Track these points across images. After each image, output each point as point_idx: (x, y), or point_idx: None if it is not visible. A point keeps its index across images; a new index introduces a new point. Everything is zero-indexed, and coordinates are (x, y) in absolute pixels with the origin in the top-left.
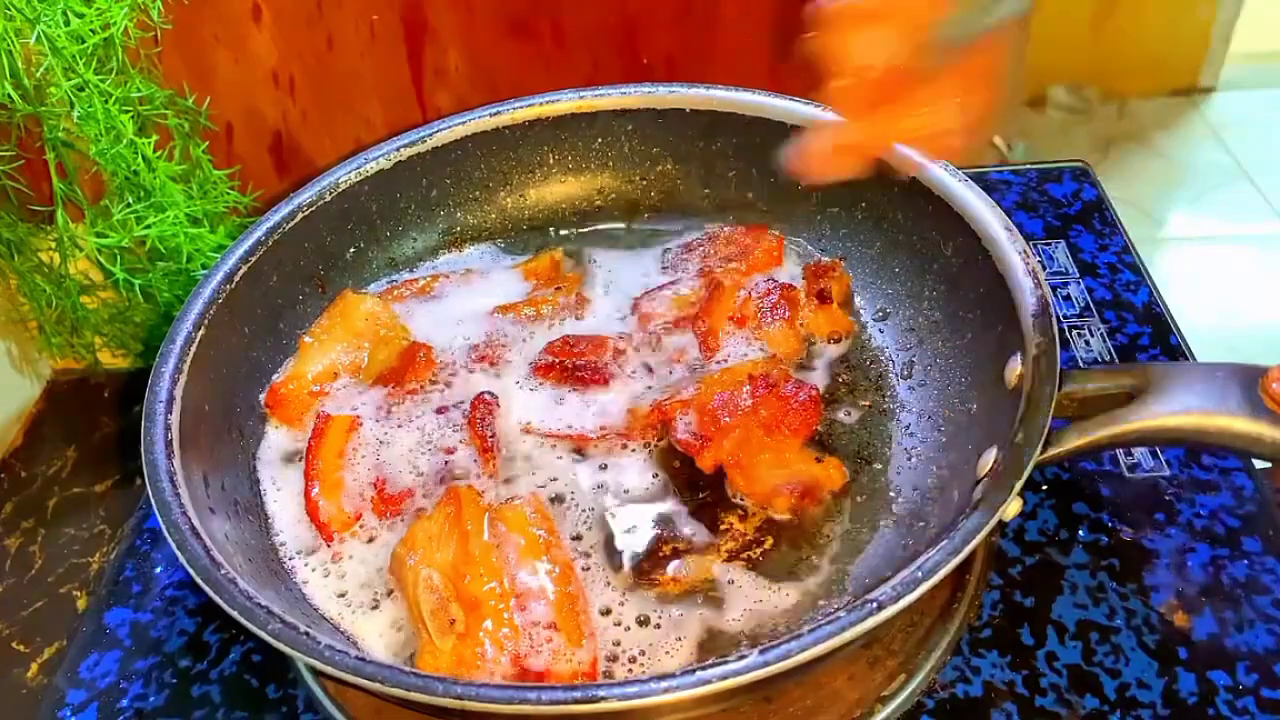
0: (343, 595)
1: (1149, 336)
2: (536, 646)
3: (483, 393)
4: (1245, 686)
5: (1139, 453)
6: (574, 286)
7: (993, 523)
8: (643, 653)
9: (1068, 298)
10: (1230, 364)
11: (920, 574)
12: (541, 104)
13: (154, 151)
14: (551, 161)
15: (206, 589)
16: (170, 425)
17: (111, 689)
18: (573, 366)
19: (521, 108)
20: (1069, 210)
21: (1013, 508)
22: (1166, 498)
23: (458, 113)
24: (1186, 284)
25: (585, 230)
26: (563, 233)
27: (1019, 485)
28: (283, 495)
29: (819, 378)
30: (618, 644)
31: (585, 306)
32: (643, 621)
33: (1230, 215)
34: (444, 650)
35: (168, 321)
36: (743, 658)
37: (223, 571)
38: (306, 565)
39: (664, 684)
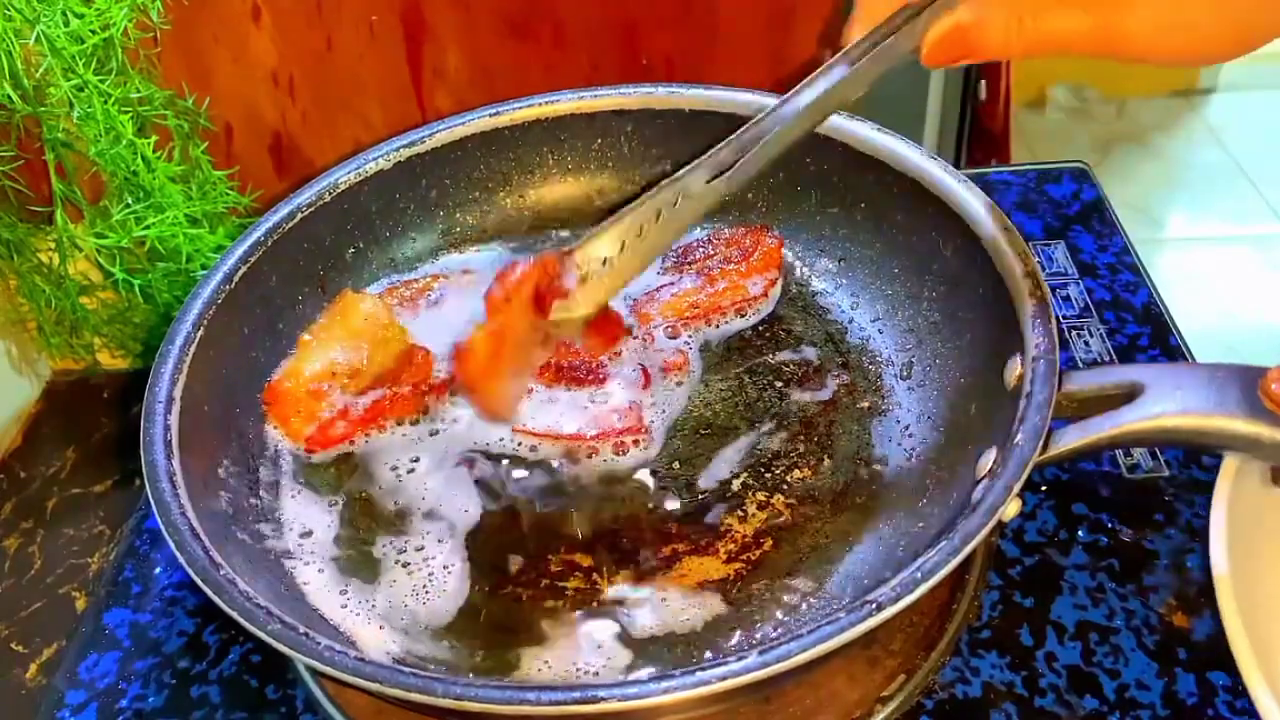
0: (343, 596)
1: (1148, 337)
2: None
3: None
4: (1245, 687)
5: (1139, 453)
6: None
7: (992, 524)
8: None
9: (1067, 298)
10: (1230, 365)
11: (919, 575)
12: (541, 104)
13: (153, 152)
14: (551, 162)
15: (206, 589)
16: (170, 425)
17: (110, 690)
18: (567, 366)
19: (521, 108)
20: (1068, 211)
21: (1012, 508)
22: (1166, 498)
23: (457, 113)
24: (1186, 284)
25: (585, 231)
26: (563, 233)
27: (1018, 486)
28: (283, 495)
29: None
30: (618, 643)
31: None
32: (642, 621)
33: (1230, 215)
34: None
35: (167, 322)
36: (742, 658)
37: (222, 572)
38: (307, 565)
39: (663, 684)
